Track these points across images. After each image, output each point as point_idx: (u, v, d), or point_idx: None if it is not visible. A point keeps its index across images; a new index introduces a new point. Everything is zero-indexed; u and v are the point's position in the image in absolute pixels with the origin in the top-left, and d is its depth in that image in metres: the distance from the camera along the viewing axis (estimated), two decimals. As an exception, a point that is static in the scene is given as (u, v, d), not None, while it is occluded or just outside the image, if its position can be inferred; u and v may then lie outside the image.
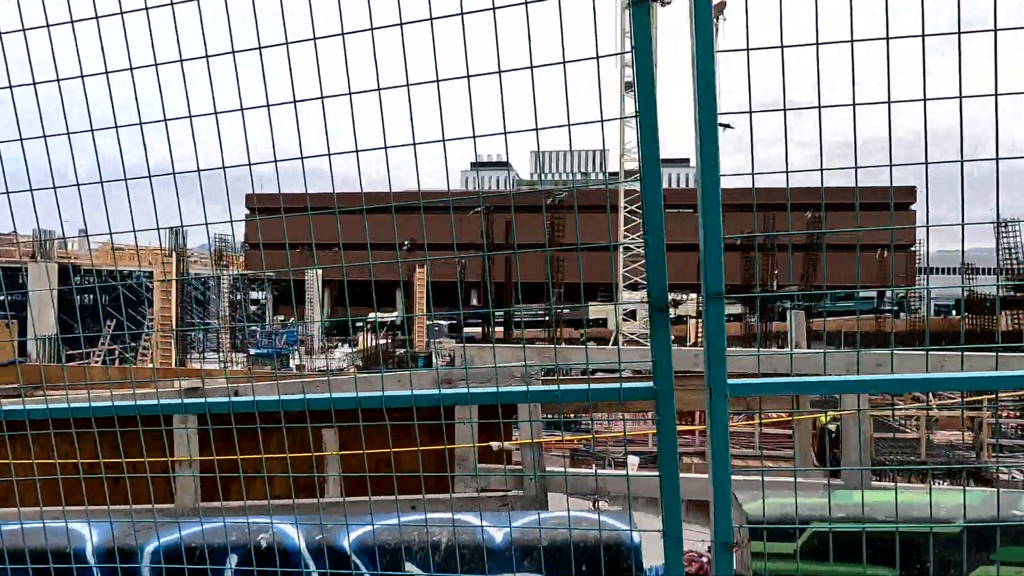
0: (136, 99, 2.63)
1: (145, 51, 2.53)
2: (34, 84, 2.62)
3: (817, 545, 3.91)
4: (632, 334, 37.97)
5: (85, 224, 2.64)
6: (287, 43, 2.41)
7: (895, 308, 46.38)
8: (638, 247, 37.99)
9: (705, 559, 8.22)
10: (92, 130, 2.63)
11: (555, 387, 2.68)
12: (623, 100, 36.92)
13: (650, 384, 2.56)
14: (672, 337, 2.55)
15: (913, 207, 47.26)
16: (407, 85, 2.36)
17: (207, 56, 2.43)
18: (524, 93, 2.54)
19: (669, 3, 35.39)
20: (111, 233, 2.66)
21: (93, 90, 2.75)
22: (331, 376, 5.50)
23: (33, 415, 3.13)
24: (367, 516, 3.97)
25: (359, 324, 33.58)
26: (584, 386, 2.65)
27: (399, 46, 2.40)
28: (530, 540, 3.77)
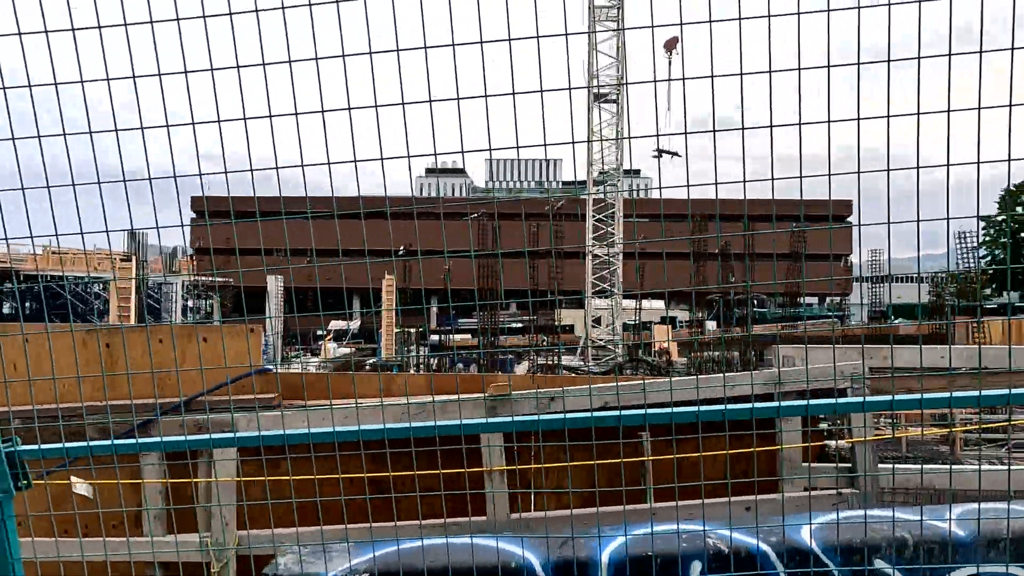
0: (86, 105, 2.61)
1: (98, 61, 2.52)
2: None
3: None
4: (600, 340, 38.29)
5: (29, 226, 2.60)
6: (234, 65, 2.44)
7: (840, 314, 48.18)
8: (605, 255, 38.52)
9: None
10: (39, 136, 2.61)
11: (947, 394, 2.62)
12: (590, 110, 37.45)
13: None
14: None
15: (849, 219, 49.12)
16: (376, 106, 2.40)
17: (160, 74, 2.43)
18: (494, 103, 2.59)
19: (679, 53, 35.70)
20: (57, 235, 2.63)
21: (42, 97, 2.72)
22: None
23: (344, 437, 2.91)
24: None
25: (320, 333, 33.10)
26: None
27: (365, 58, 2.45)
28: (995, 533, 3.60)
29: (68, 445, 2.96)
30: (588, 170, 40.55)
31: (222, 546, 5.45)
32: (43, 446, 2.92)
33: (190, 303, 42.91)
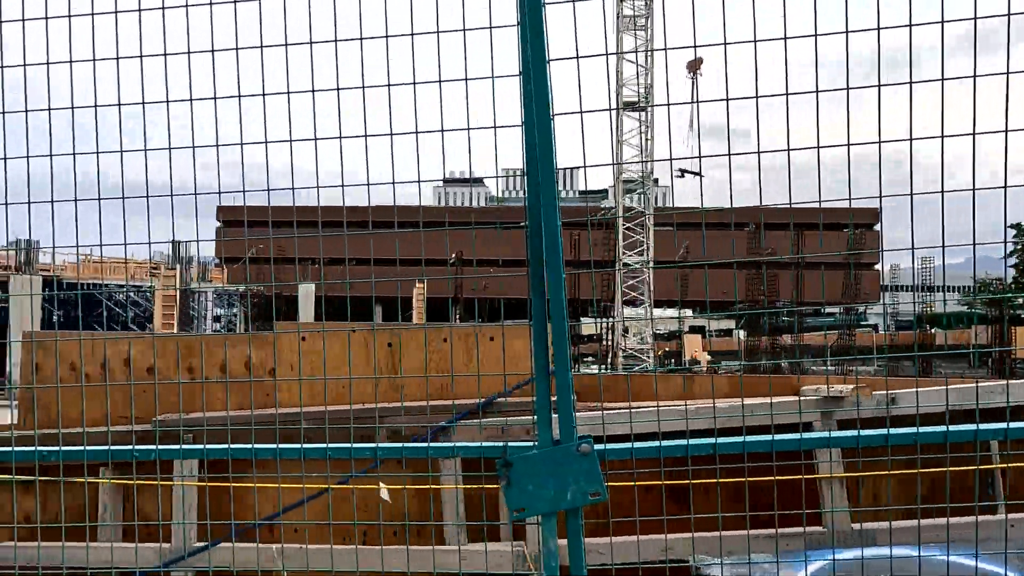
0: (120, 119, 2.75)
1: (135, 81, 2.66)
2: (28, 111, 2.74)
3: None
4: (630, 349, 38.08)
5: (76, 236, 2.74)
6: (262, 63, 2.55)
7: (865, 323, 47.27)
8: (636, 264, 38.32)
9: None
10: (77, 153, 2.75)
11: None
12: (620, 115, 37.43)
13: None
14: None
15: (876, 227, 48.55)
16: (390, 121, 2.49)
17: (192, 96, 2.56)
18: (503, 108, 2.67)
19: (702, 74, 35.37)
20: (101, 245, 2.77)
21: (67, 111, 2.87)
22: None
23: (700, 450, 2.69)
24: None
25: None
26: None
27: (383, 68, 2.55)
28: None
29: (406, 445, 2.91)
30: (617, 179, 40.50)
31: (536, 556, 4.80)
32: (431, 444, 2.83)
33: (220, 311, 43.79)
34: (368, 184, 2.73)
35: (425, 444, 3.05)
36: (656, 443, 2.64)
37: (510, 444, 2.62)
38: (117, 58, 2.66)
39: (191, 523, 4.75)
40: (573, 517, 2.59)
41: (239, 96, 2.64)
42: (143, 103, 2.66)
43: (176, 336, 6.58)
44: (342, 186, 2.81)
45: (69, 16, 2.67)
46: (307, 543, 4.43)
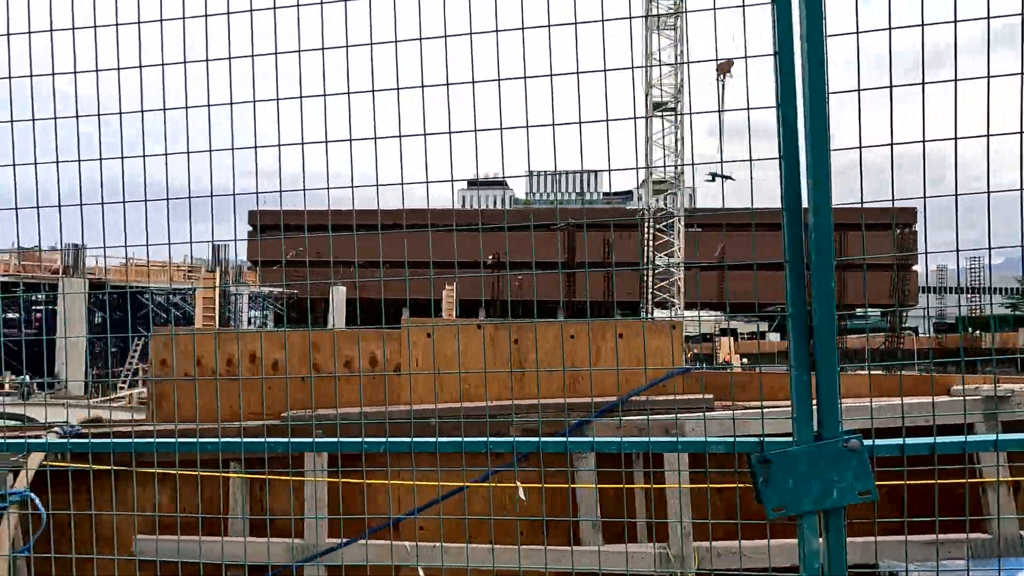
0: (165, 122, 2.84)
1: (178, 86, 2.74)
2: (79, 116, 2.84)
3: None
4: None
5: (126, 239, 2.83)
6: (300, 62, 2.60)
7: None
8: (667, 265, 37.98)
9: None
10: (125, 158, 2.84)
11: None
12: (649, 117, 37.16)
13: None
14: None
15: (915, 227, 47.25)
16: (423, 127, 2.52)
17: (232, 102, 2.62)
18: (538, 110, 2.67)
19: (732, 76, 35.13)
20: (148, 245, 2.86)
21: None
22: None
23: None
24: None
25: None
26: None
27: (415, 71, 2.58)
28: None
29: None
30: (648, 179, 40.19)
31: (681, 558, 4.64)
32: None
33: (254, 313, 44.64)
34: (402, 184, 2.77)
35: (646, 440, 2.92)
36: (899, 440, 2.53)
37: (767, 440, 2.50)
38: (162, 64, 2.74)
39: (323, 517, 4.68)
40: (836, 516, 2.47)
41: (276, 99, 2.70)
42: (185, 107, 2.74)
43: (303, 331, 6.51)
44: (376, 185, 2.85)
45: (116, 25, 2.76)
46: (441, 541, 4.34)
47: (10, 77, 2.85)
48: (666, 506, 4.71)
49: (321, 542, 4.69)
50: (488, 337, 5.11)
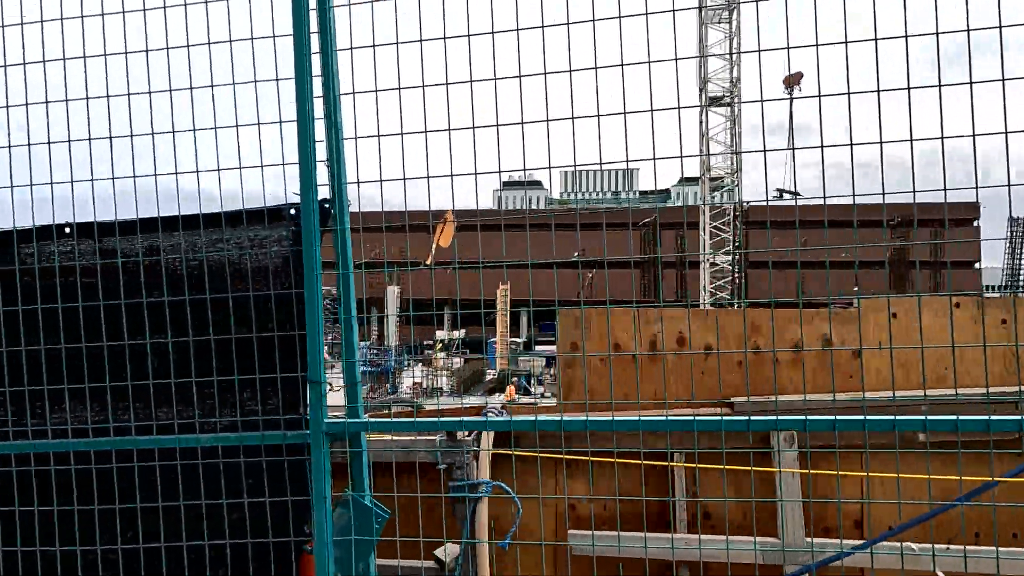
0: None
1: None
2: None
3: None
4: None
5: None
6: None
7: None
8: (724, 263, 37.15)
9: None
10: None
11: None
12: (705, 113, 36.45)
13: None
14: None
15: (976, 223, 44.69)
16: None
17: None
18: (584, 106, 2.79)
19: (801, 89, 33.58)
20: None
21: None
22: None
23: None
24: None
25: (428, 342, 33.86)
26: None
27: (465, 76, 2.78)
28: None
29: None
30: (704, 175, 39.46)
31: None
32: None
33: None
34: (475, 173, 2.94)
35: None
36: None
37: None
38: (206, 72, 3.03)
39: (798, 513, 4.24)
40: None
41: (354, 92, 2.96)
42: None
43: (740, 311, 6.21)
44: (427, 177, 3.06)
45: (188, 42, 3.05)
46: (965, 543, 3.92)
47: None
48: None
49: (799, 542, 4.27)
50: (969, 317, 4.63)
